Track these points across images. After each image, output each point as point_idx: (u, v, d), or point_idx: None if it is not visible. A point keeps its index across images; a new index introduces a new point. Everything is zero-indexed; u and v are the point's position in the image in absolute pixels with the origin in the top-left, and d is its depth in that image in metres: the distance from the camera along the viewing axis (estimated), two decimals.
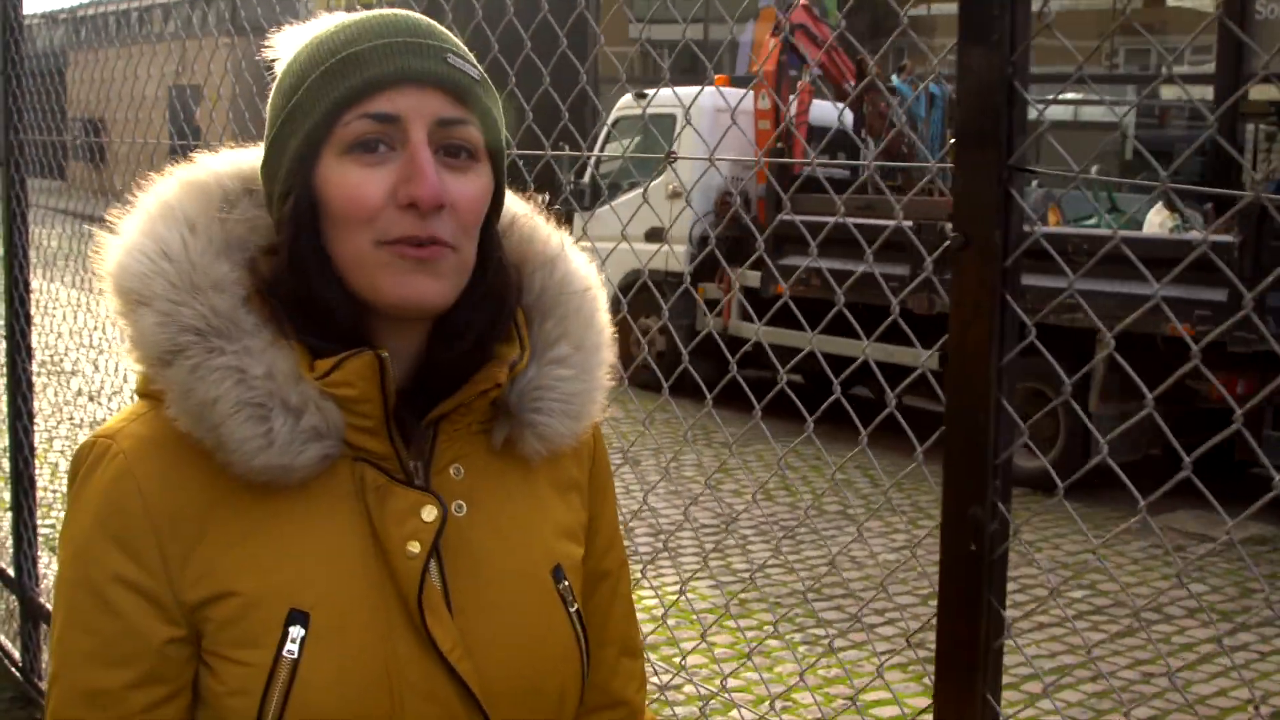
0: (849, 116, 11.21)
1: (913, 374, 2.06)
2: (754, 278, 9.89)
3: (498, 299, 1.36)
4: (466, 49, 1.35)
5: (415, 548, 1.28)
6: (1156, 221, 8.92)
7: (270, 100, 1.35)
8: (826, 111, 11.31)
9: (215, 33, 6.78)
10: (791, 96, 10.74)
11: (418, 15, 1.34)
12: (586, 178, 11.27)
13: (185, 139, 6.50)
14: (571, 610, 1.40)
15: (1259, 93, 11.97)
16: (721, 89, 9.22)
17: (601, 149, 11.87)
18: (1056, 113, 14.87)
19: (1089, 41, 13.93)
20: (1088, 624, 5.99)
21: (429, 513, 1.29)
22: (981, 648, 1.86)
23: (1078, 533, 7.45)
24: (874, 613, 5.88)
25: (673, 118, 9.96)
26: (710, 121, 8.13)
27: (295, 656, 1.24)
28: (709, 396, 2.58)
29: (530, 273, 1.44)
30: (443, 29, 1.34)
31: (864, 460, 7.63)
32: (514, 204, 1.47)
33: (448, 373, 1.33)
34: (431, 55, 1.28)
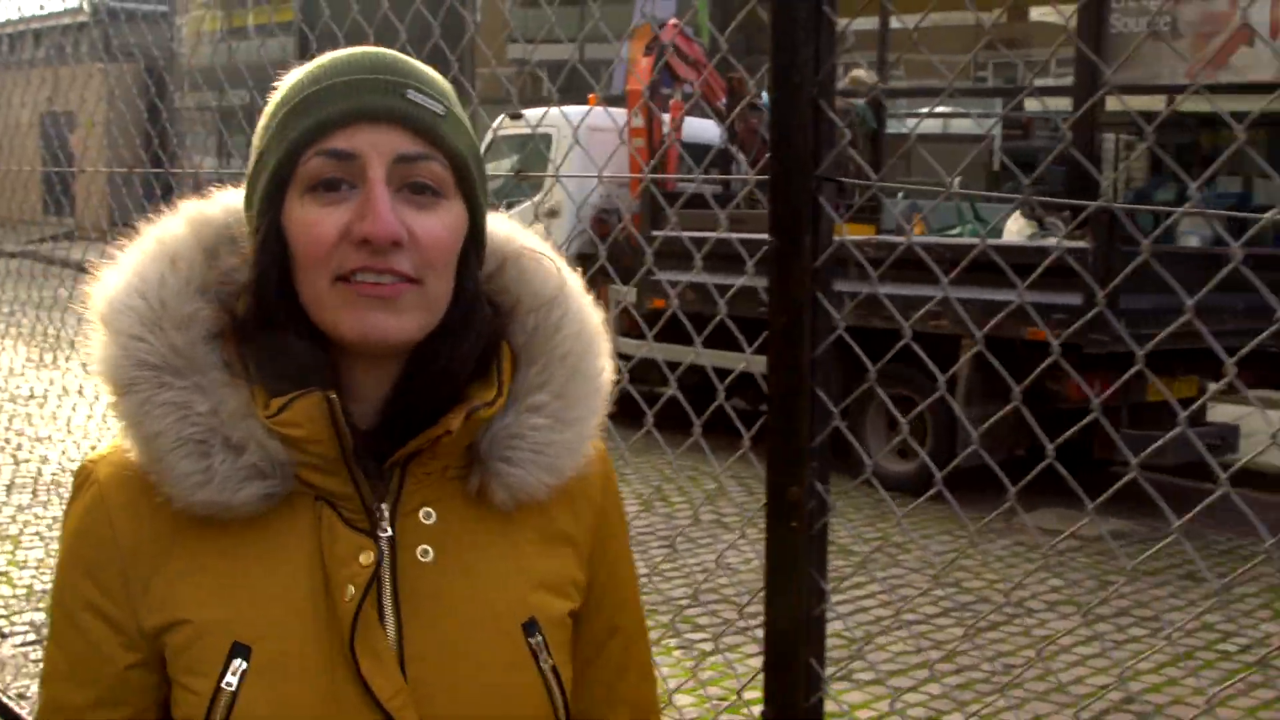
0: (715, 131, 11.42)
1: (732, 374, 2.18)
2: (630, 294, 10.04)
3: (470, 334, 1.33)
4: (437, 83, 1.33)
5: (348, 593, 1.26)
6: (1015, 229, 9.25)
7: (253, 145, 1.35)
8: (695, 128, 11.51)
9: (88, 59, 6.79)
10: (664, 114, 10.94)
11: (385, 51, 1.33)
12: None
13: (60, 165, 6.49)
14: (544, 665, 1.35)
15: (1119, 102, 12.39)
16: (596, 108, 9.34)
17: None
18: (927, 125, 15.24)
19: (958, 56, 14.33)
20: (952, 620, 6.24)
21: (366, 556, 1.27)
22: (803, 616, 2.05)
23: (945, 533, 7.74)
24: (750, 616, 6.00)
25: (548, 137, 10.09)
26: (584, 140, 8.28)
27: (234, 689, 1.24)
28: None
29: (524, 314, 1.39)
30: (411, 63, 1.32)
31: (740, 470, 7.85)
32: (517, 241, 1.44)
33: (416, 413, 1.30)
34: (390, 91, 1.27)
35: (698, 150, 11.32)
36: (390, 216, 1.23)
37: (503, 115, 10.85)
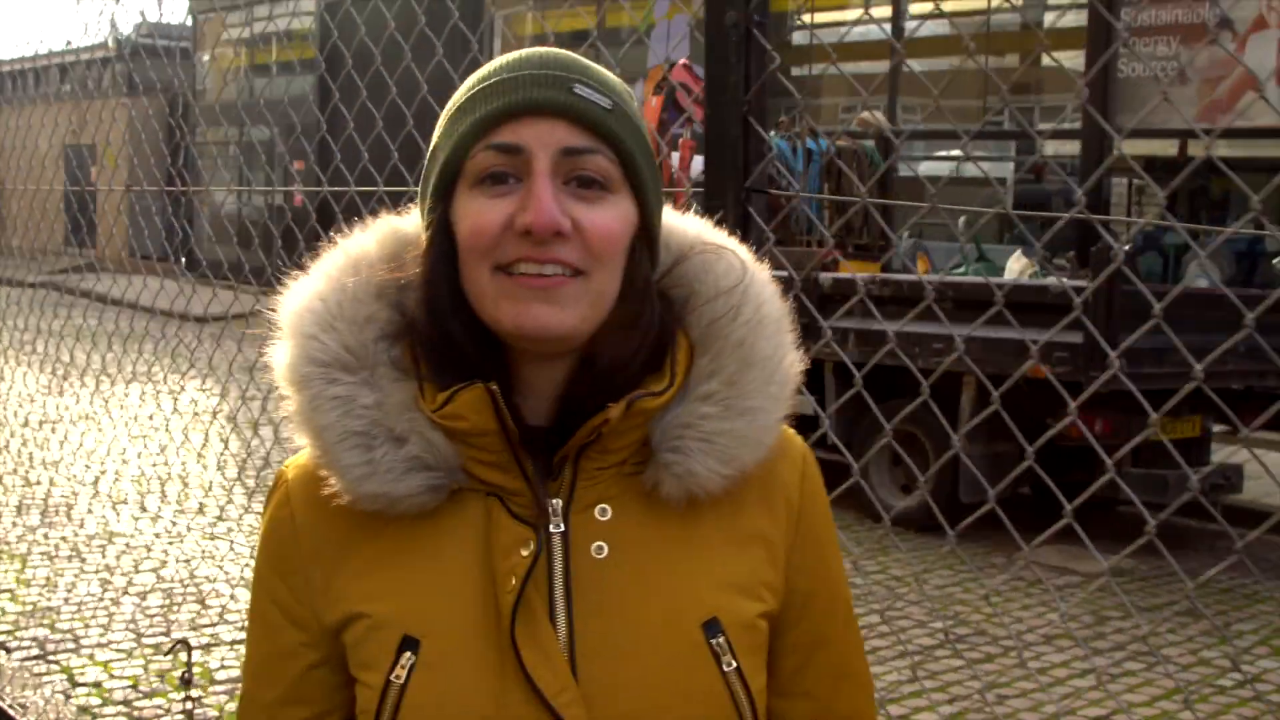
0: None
1: None
2: None
3: (638, 328, 1.31)
4: (608, 79, 1.32)
5: (511, 583, 1.25)
6: (1016, 269, 9.35)
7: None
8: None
9: (111, 94, 6.93)
10: (674, 153, 11.07)
11: (555, 50, 1.33)
12: None
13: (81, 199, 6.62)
14: (727, 668, 1.30)
15: (1130, 147, 12.52)
16: None
17: None
18: (938, 168, 15.36)
19: (972, 100, 14.47)
20: (949, 651, 6.29)
21: (527, 548, 1.26)
22: None
23: (945, 567, 7.81)
24: None
25: None
26: None
27: (402, 682, 1.25)
28: None
29: (698, 306, 1.36)
30: (580, 60, 1.32)
31: None
32: (697, 233, 1.41)
33: (587, 407, 1.28)
34: (556, 85, 1.27)
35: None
36: (552, 206, 1.23)
37: None
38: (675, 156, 11.10)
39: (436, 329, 1.29)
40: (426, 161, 1.35)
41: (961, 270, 10.02)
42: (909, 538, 8.21)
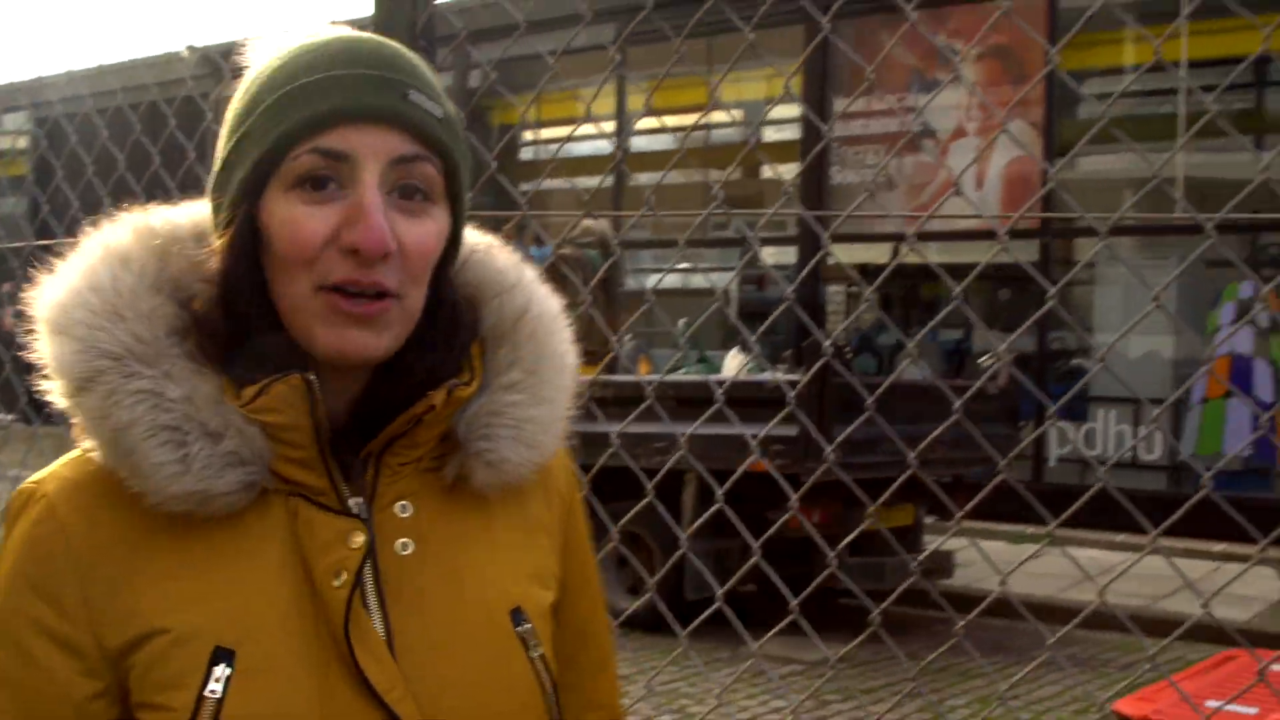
0: None
1: None
2: None
3: (447, 342, 1.30)
4: (434, 83, 1.27)
5: (340, 578, 1.20)
6: (733, 366, 9.60)
7: (225, 120, 1.27)
8: None
9: None
10: None
11: (384, 42, 1.27)
12: None
13: None
14: (534, 655, 1.31)
15: (846, 255, 13.07)
16: None
17: None
18: (669, 280, 15.73)
19: (695, 212, 14.85)
20: None
21: (355, 539, 1.22)
22: None
23: (673, 663, 7.83)
24: None
25: None
26: None
27: (218, 697, 1.16)
28: None
29: (486, 301, 1.36)
30: (411, 60, 1.27)
31: None
32: (471, 235, 1.39)
33: (390, 410, 1.26)
34: (390, 89, 1.22)
35: None
36: (384, 227, 1.19)
37: None
38: None
39: (238, 332, 1.22)
40: (228, 147, 1.25)
41: (682, 371, 10.23)
42: (636, 637, 8.23)
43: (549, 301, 1.40)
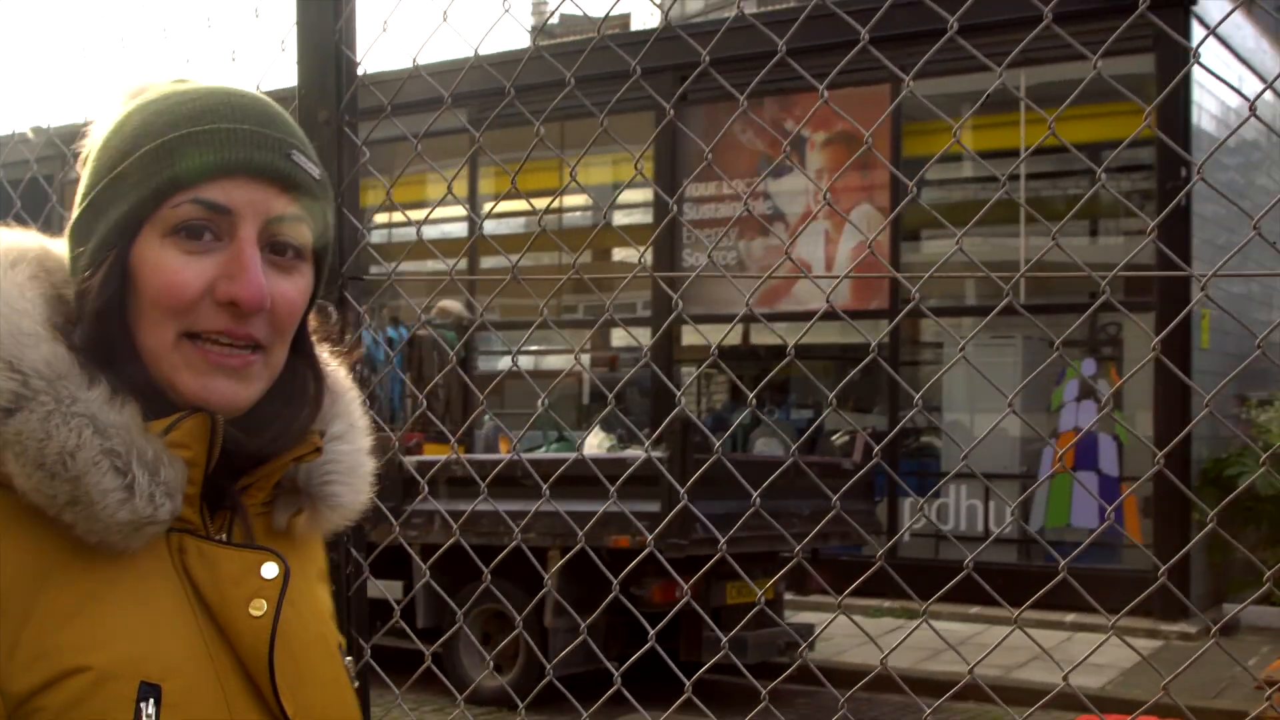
0: None
1: None
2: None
3: (306, 397, 1.32)
4: (308, 145, 1.28)
5: (260, 608, 1.20)
6: (595, 443, 9.64)
7: (92, 157, 1.25)
8: None
9: None
10: None
11: (266, 99, 1.28)
12: None
13: None
14: (355, 687, 1.37)
15: (699, 336, 13.21)
16: None
17: None
18: (523, 363, 15.72)
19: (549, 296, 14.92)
20: None
21: (270, 569, 1.22)
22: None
23: None
24: None
25: None
26: None
27: None
28: None
29: None
30: (289, 118, 1.28)
31: None
32: None
33: (243, 456, 1.26)
34: (275, 149, 1.22)
35: None
36: (262, 282, 1.19)
37: None
38: None
39: (108, 375, 1.19)
40: (101, 185, 1.23)
41: (542, 449, 10.23)
42: (503, 715, 8.17)
43: (339, 368, 1.43)
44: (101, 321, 1.20)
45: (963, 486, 12.50)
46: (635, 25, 18.87)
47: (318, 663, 1.31)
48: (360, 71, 2.34)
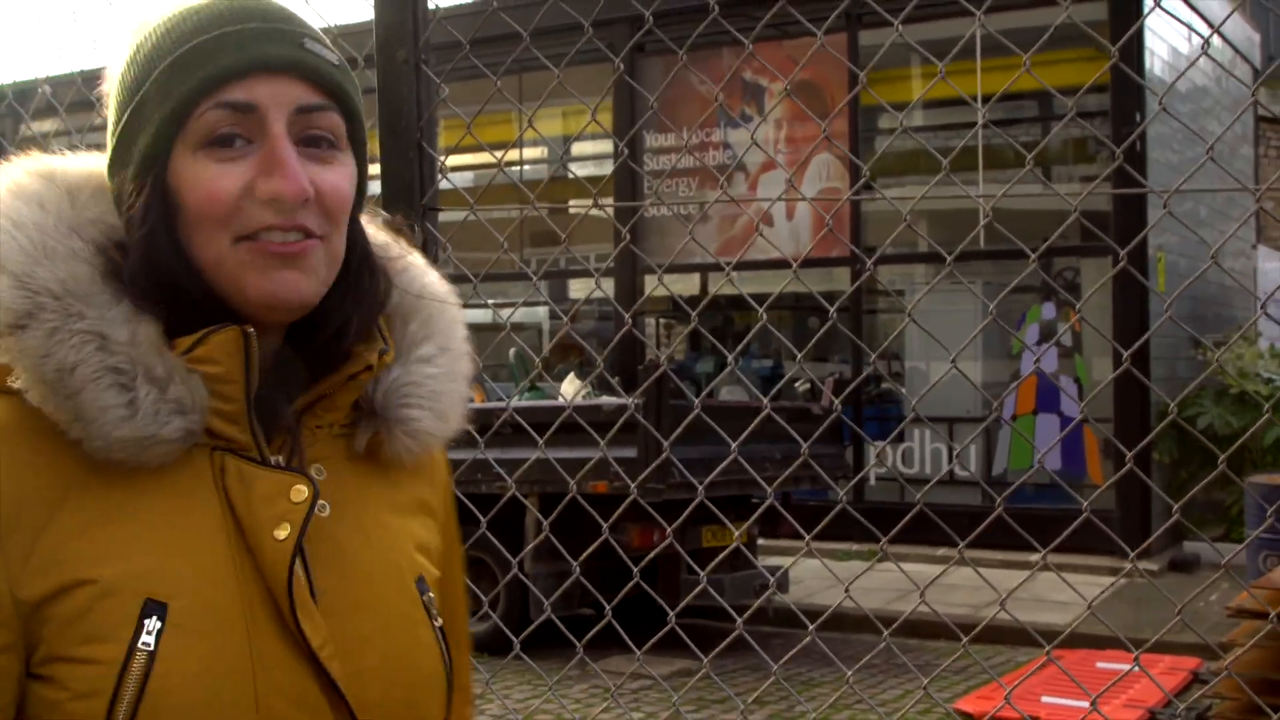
0: None
1: None
2: None
3: (365, 291, 1.30)
4: (320, 33, 1.26)
5: (284, 531, 1.18)
6: (570, 392, 9.73)
7: (113, 93, 1.25)
8: None
9: None
10: None
11: (275, 1, 1.26)
12: None
13: None
14: (436, 624, 1.32)
15: (654, 287, 13.30)
16: None
17: None
18: (481, 316, 15.75)
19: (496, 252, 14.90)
20: None
21: (298, 493, 1.20)
22: None
23: (525, 683, 7.92)
24: None
25: None
26: None
27: (151, 649, 1.12)
28: None
29: (394, 275, 1.36)
30: (295, 13, 1.26)
31: None
32: None
33: (308, 369, 1.26)
34: (288, 41, 1.21)
35: None
36: (300, 172, 1.19)
37: None
38: None
39: (162, 291, 1.19)
40: (124, 117, 1.23)
41: (516, 398, 10.30)
42: (485, 660, 8.28)
43: (442, 284, 1.41)
44: (150, 246, 1.20)
45: (926, 431, 12.68)
46: None
47: (380, 593, 1.27)
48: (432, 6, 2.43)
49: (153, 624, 1.13)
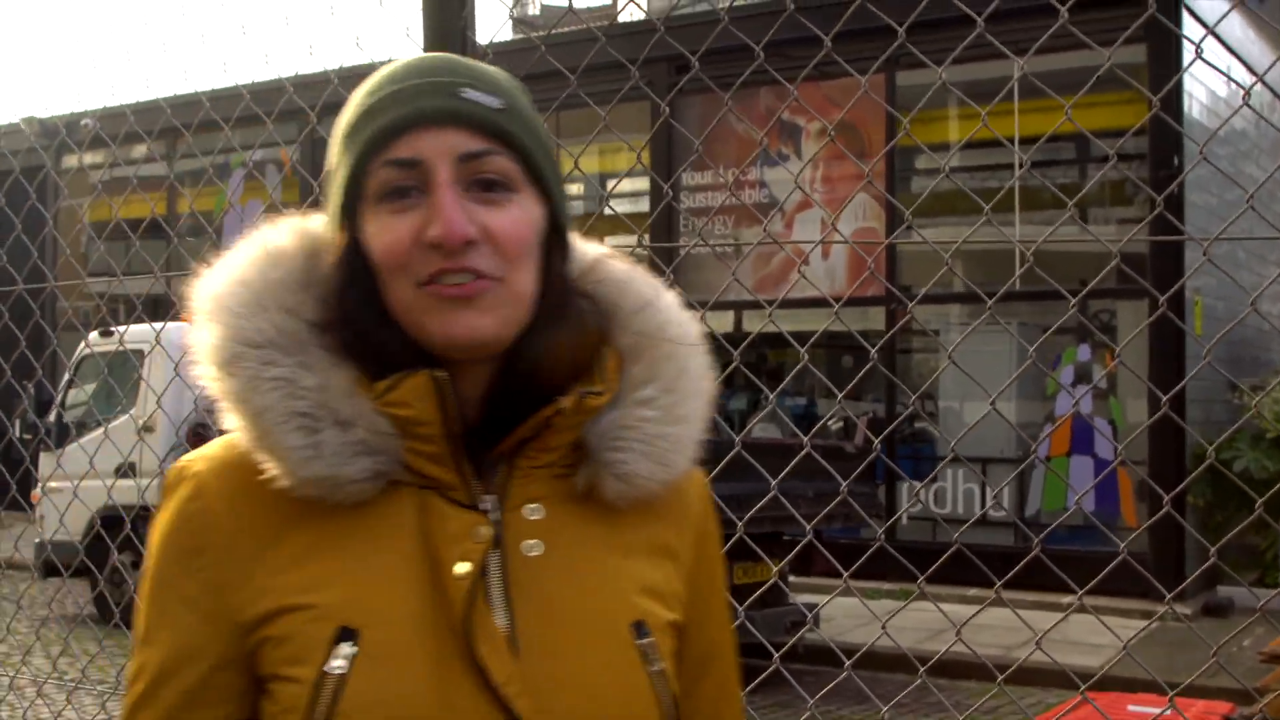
0: None
1: None
2: None
3: (564, 328, 1.32)
4: (496, 79, 1.32)
5: (464, 568, 1.24)
6: None
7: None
8: None
9: None
10: None
11: (439, 55, 1.34)
12: (53, 416, 10.95)
13: None
14: (653, 669, 1.31)
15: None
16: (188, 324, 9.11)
17: (66, 388, 11.68)
18: None
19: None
20: None
21: (480, 534, 1.26)
22: None
23: None
24: None
25: (141, 353, 9.92)
26: (180, 355, 7.90)
27: (343, 673, 1.21)
28: None
29: (624, 317, 1.38)
30: (466, 62, 1.33)
31: None
32: (595, 249, 1.43)
33: (518, 407, 1.29)
34: (443, 92, 1.27)
35: None
36: (457, 216, 1.24)
37: (94, 333, 10.65)
38: None
39: (362, 339, 1.29)
40: (330, 180, 1.34)
41: None
42: None
43: (689, 324, 1.41)
44: (345, 298, 1.30)
45: (959, 471, 12.64)
46: (622, 13, 18.92)
47: (584, 635, 1.29)
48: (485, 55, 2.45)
49: (346, 650, 1.22)
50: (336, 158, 1.33)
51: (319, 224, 1.38)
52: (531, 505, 1.31)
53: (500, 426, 1.30)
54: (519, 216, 1.29)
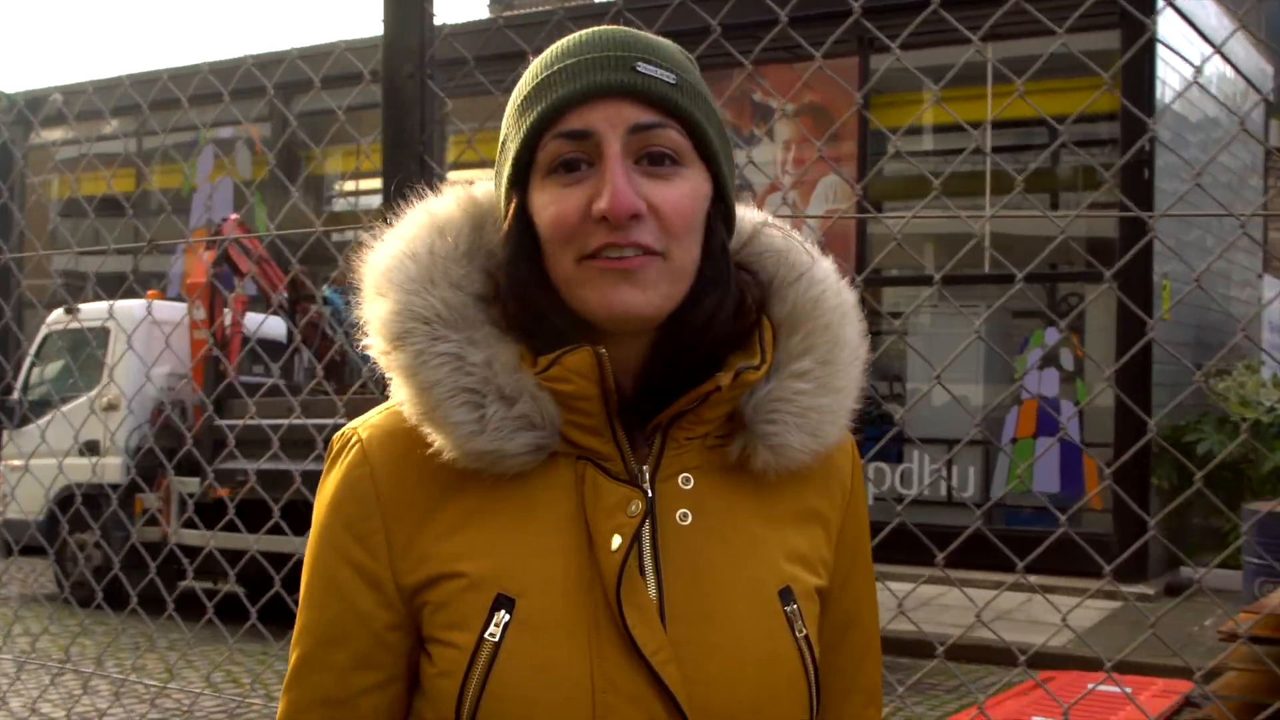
0: (281, 327, 11.53)
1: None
2: (192, 484, 9.79)
3: (724, 302, 1.32)
4: (671, 53, 1.32)
5: (617, 541, 1.26)
6: None
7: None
8: (267, 326, 11.57)
9: None
10: (226, 308, 10.95)
11: (613, 29, 1.32)
12: (15, 395, 10.89)
13: None
14: (799, 635, 1.34)
15: None
16: (158, 301, 9.14)
17: (29, 367, 11.63)
18: None
19: None
20: None
21: (634, 507, 1.28)
22: None
23: None
24: None
25: (107, 331, 9.85)
26: (145, 333, 7.80)
27: (497, 640, 1.24)
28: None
29: (781, 287, 1.38)
30: (641, 36, 1.32)
31: None
32: (757, 215, 1.43)
33: (675, 379, 1.31)
34: (618, 66, 1.27)
35: (264, 344, 11.41)
36: (626, 190, 1.24)
37: (58, 311, 10.60)
38: (229, 312, 10.98)
39: (527, 312, 1.30)
40: (500, 152, 1.35)
41: None
42: None
43: (845, 293, 1.41)
44: (513, 271, 1.31)
45: (925, 453, 12.70)
46: None
47: (733, 603, 1.31)
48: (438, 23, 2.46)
49: (501, 617, 1.25)
50: (509, 129, 1.33)
51: (482, 191, 1.39)
52: (684, 475, 1.33)
53: (656, 397, 1.32)
54: (686, 191, 1.29)
